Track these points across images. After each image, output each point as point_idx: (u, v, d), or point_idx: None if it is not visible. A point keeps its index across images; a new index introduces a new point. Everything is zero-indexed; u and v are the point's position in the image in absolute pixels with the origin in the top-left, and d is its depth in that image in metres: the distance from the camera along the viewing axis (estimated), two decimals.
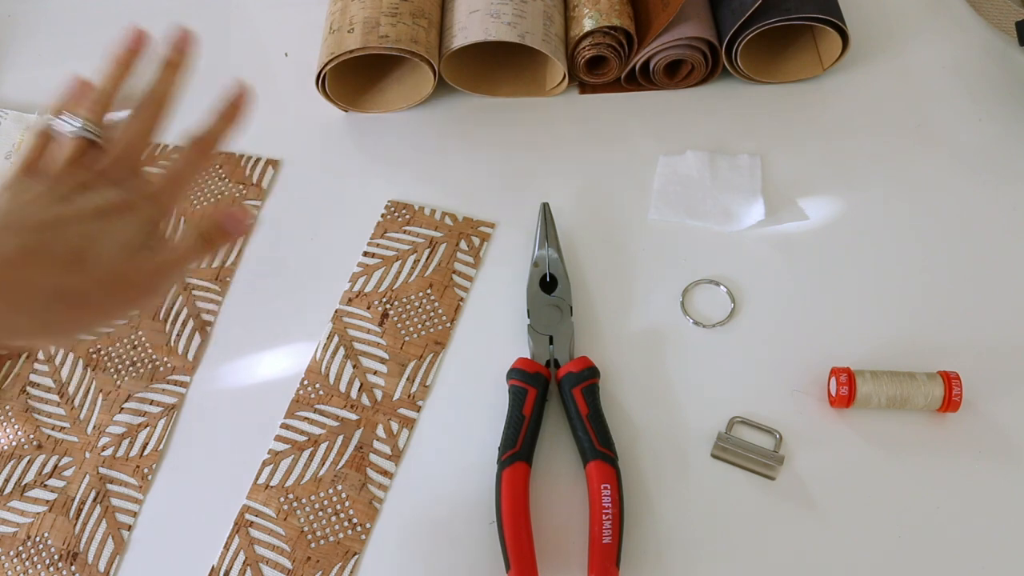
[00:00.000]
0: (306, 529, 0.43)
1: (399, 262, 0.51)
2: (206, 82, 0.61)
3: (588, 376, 0.44)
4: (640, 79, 0.57)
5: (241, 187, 0.56)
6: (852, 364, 0.45)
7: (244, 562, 0.42)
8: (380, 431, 0.46)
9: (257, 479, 0.45)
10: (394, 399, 0.47)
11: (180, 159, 0.38)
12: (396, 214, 0.53)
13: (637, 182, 0.54)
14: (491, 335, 0.48)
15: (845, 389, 0.44)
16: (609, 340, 0.48)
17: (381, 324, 0.49)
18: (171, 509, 0.45)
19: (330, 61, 0.53)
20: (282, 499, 0.44)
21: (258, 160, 0.57)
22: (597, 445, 0.42)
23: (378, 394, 0.47)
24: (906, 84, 0.57)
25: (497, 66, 0.59)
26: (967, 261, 0.50)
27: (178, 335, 0.50)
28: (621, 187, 0.54)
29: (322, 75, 0.54)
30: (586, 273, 0.50)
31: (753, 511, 0.42)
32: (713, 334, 0.48)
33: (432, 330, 0.49)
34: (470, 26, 0.54)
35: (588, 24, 0.53)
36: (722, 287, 0.49)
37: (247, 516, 0.44)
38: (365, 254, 0.52)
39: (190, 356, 0.49)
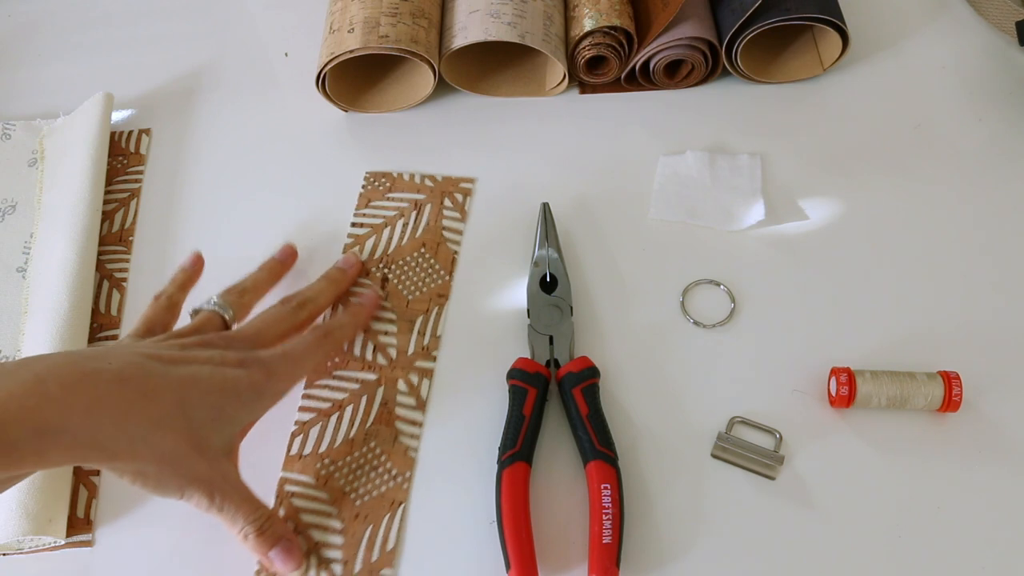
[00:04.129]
0: (348, 489, 0.44)
1: (388, 228, 0.52)
2: (207, 82, 0.61)
3: (588, 376, 0.44)
4: (640, 79, 0.57)
5: None
6: (852, 364, 0.45)
7: (295, 530, 0.43)
8: (401, 385, 0.47)
9: (289, 450, 0.45)
10: (408, 354, 0.48)
11: (301, 343, 0.43)
12: (377, 183, 0.54)
13: (637, 182, 0.54)
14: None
15: (845, 389, 0.44)
16: (609, 340, 0.48)
17: (383, 288, 0.50)
18: None
19: (330, 61, 0.53)
20: (319, 465, 0.44)
21: None
22: (597, 445, 0.42)
23: (392, 352, 0.48)
24: (906, 84, 0.57)
25: (497, 66, 0.59)
26: (967, 261, 0.50)
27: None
28: (621, 187, 0.54)
29: (322, 75, 0.54)
30: (586, 273, 0.50)
31: (753, 511, 0.42)
32: (713, 334, 0.48)
33: (433, 285, 0.50)
34: (470, 26, 0.54)
35: (588, 24, 0.53)
36: (722, 287, 0.49)
37: (287, 488, 0.44)
38: (353, 225, 0.52)
39: None
